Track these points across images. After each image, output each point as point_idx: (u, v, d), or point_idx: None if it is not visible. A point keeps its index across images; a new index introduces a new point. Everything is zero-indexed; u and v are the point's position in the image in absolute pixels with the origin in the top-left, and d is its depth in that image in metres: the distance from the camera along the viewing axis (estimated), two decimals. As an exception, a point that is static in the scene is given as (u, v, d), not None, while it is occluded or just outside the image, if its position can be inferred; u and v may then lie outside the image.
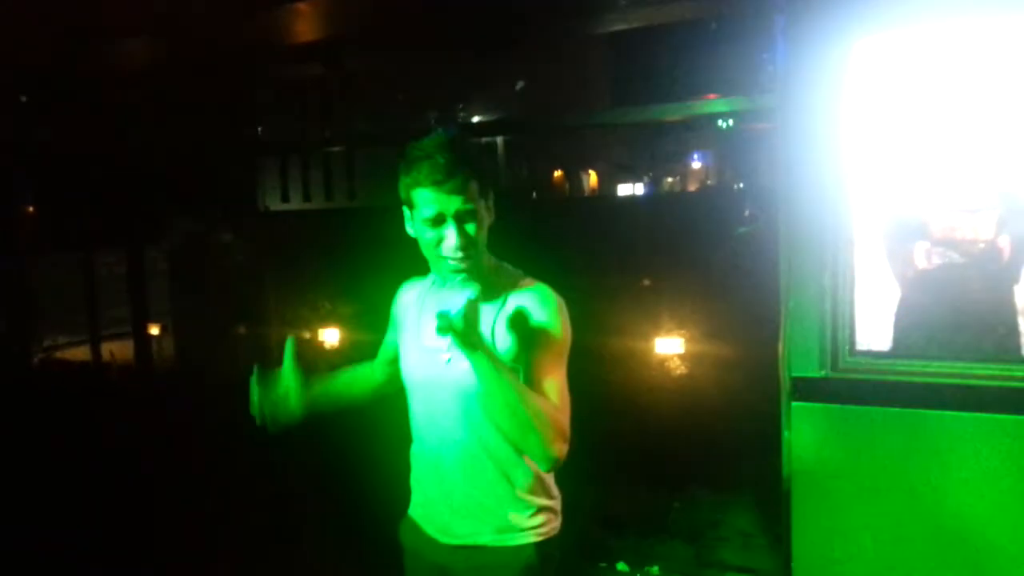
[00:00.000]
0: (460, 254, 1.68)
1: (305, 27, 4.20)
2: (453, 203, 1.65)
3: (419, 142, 1.71)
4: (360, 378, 2.14)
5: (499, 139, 5.42)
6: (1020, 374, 2.93)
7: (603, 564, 3.82)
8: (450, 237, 1.67)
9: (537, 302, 1.74)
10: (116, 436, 4.76)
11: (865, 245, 3.12)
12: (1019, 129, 2.84)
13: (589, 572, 3.76)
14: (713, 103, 4.00)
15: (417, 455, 1.90)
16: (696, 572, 3.78)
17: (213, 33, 4.16)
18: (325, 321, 5.89)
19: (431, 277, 1.89)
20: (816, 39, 3.07)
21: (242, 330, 6.00)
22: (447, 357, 1.73)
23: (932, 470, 3.07)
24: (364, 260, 5.35)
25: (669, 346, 4.56)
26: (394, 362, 1.95)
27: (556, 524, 1.87)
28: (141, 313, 5.81)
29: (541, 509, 1.83)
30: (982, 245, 2.95)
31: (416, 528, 1.93)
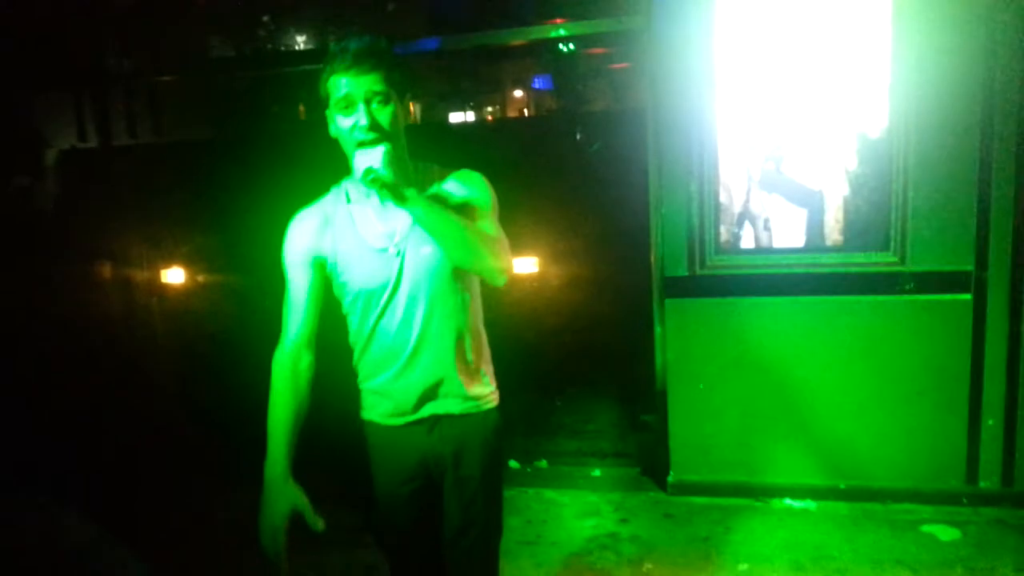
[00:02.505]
0: (372, 135, 1.76)
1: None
2: (362, 85, 1.76)
3: (336, 42, 1.86)
4: (295, 398, 1.95)
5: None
6: (855, 260, 3.44)
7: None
8: (360, 117, 1.76)
9: (466, 178, 1.93)
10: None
11: (726, 154, 3.49)
12: (858, 67, 3.29)
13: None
14: (572, 26, 4.19)
15: (373, 356, 1.97)
16: (579, 462, 4.15)
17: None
18: (167, 260, 5.61)
19: (333, 198, 1.95)
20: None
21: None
22: (395, 251, 1.86)
23: (785, 348, 3.57)
24: (194, 198, 5.17)
25: (535, 264, 4.81)
26: (318, 319, 1.96)
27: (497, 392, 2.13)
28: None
29: (492, 378, 2.07)
30: (819, 157, 3.41)
31: (378, 426, 2.03)
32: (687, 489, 3.75)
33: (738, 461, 3.71)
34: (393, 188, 1.71)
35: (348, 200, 1.93)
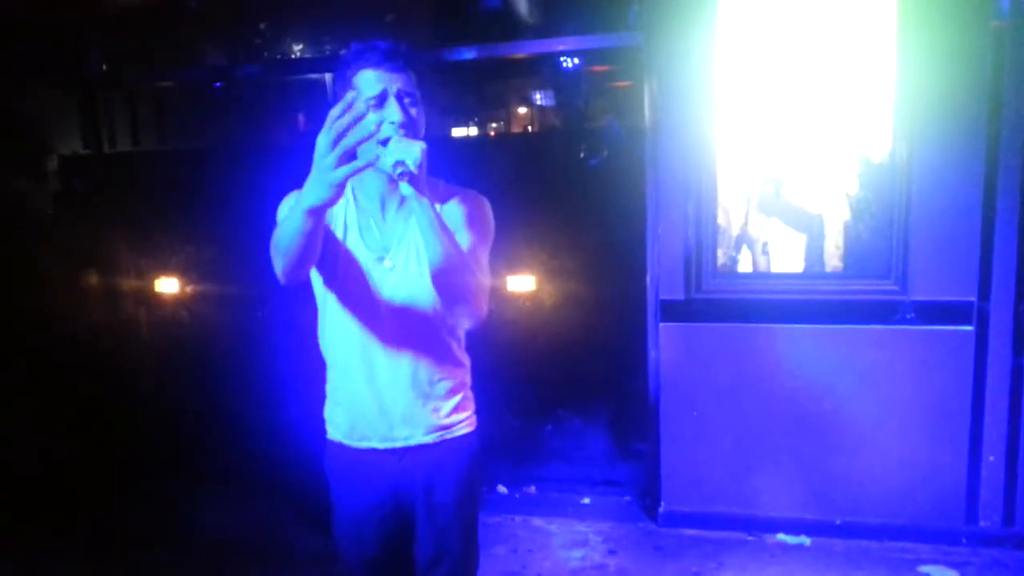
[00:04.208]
0: (403, 132, 1.71)
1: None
2: (395, 83, 1.72)
3: (360, 41, 1.80)
4: None
5: (327, 76, 5.25)
6: (855, 287, 3.35)
7: (483, 488, 4.00)
8: (393, 112, 1.71)
9: (470, 203, 1.87)
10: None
11: (725, 175, 3.41)
12: (861, 90, 3.21)
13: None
14: (573, 41, 4.12)
15: (346, 366, 1.89)
16: (569, 489, 4.04)
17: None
18: (161, 269, 5.55)
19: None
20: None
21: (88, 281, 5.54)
22: (390, 264, 1.79)
23: (782, 376, 3.46)
24: (196, 206, 5.10)
25: (529, 282, 4.72)
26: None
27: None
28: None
29: (471, 402, 2.00)
30: (819, 181, 3.32)
31: (345, 448, 1.94)
32: (678, 520, 3.64)
33: (732, 493, 3.60)
34: (419, 188, 1.62)
35: (354, 200, 1.84)
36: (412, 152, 1.60)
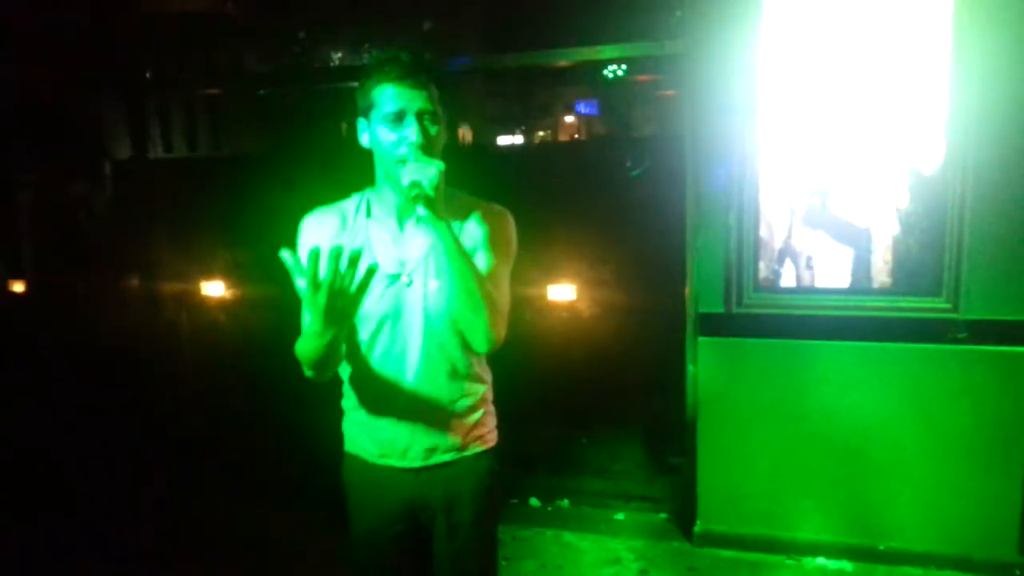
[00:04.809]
0: (419, 153, 1.65)
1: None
2: (416, 100, 1.66)
3: (382, 50, 1.75)
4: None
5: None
6: (904, 305, 3.21)
7: (515, 500, 3.94)
8: (412, 134, 1.65)
9: (493, 219, 1.81)
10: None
11: (768, 186, 3.30)
12: (913, 99, 3.08)
13: (502, 509, 3.84)
14: (614, 49, 4.04)
15: (363, 386, 1.85)
16: (602, 503, 3.96)
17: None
18: (218, 273, 5.62)
19: (353, 206, 1.82)
20: (728, -14, 3.19)
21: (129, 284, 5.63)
22: (407, 280, 1.75)
23: (825, 395, 3.34)
24: (246, 210, 5.15)
25: (567, 292, 4.66)
26: None
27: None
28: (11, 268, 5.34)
29: (492, 416, 1.95)
30: (868, 193, 3.19)
31: (362, 461, 1.90)
32: (714, 540, 3.53)
33: (771, 513, 3.48)
34: (435, 210, 1.58)
35: (369, 215, 1.80)
36: (428, 174, 1.57)
